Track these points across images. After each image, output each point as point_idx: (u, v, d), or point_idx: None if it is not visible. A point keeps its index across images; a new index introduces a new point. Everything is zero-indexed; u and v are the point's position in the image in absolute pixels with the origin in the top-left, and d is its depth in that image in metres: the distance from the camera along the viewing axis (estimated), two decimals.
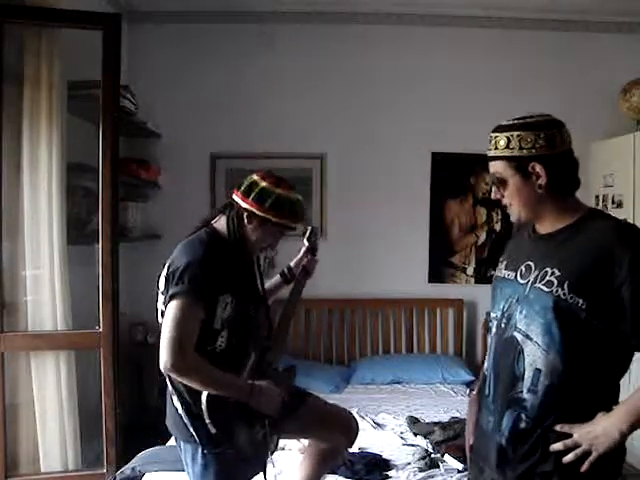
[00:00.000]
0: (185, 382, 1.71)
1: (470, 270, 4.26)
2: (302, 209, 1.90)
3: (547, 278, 1.41)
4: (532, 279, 1.44)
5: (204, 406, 1.71)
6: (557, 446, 1.39)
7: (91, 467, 2.86)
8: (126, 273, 3.17)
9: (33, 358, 2.75)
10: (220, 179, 4.17)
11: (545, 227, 1.49)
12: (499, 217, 4.24)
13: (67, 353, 2.80)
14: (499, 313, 1.52)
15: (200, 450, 1.77)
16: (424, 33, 4.14)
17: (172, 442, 2.53)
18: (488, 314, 1.74)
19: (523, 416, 1.43)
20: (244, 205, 1.84)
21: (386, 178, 4.17)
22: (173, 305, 1.69)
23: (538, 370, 1.41)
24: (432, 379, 3.85)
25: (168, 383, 1.80)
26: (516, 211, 1.49)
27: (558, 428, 1.40)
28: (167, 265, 1.79)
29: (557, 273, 1.39)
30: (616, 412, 1.37)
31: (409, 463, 2.60)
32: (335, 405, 2.24)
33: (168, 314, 1.69)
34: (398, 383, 3.85)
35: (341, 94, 4.15)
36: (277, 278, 2.19)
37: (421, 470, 2.53)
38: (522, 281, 1.47)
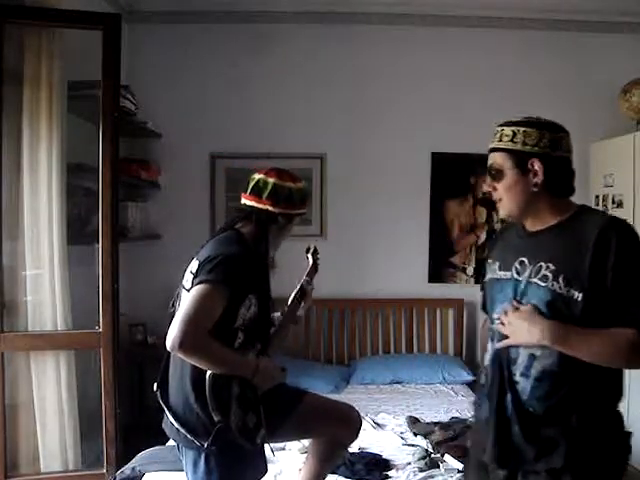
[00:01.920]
0: (192, 361, 1.69)
1: (470, 270, 4.26)
2: (308, 193, 2.00)
3: (542, 272, 1.43)
4: (527, 274, 1.46)
5: (208, 387, 1.69)
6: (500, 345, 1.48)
7: (91, 467, 2.86)
8: (126, 273, 3.17)
9: (33, 358, 2.75)
10: (220, 179, 4.17)
11: (535, 225, 1.52)
12: (499, 217, 4.22)
13: (67, 353, 2.80)
14: (502, 313, 1.52)
15: (203, 456, 1.76)
16: (424, 33, 4.14)
17: (172, 442, 2.54)
18: (486, 320, 1.74)
19: (521, 399, 1.45)
20: (264, 206, 1.87)
21: (386, 178, 4.17)
22: (199, 288, 1.68)
23: (532, 356, 1.44)
24: (432, 379, 3.85)
25: (171, 373, 1.81)
26: (507, 207, 1.53)
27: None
28: (197, 259, 1.80)
29: (552, 267, 1.41)
30: (562, 327, 1.39)
31: (409, 463, 2.60)
32: (334, 400, 2.24)
33: (190, 295, 1.68)
34: (398, 383, 3.85)
35: (341, 94, 4.15)
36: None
37: (421, 470, 2.53)
38: (519, 278, 1.49)
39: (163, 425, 1.87)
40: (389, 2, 3.99)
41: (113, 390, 2.77)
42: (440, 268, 4.27)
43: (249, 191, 1.90)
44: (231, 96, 4.10)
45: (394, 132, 4.16)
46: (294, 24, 4.10)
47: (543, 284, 1.42)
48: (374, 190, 4.17)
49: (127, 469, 2.57)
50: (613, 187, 3.78)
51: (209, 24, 4.09)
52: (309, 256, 2.22)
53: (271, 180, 1.87)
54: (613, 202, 3.76)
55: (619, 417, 1.48)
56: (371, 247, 4.19)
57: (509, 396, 1.46)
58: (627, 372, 1.50)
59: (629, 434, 1.47)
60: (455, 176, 4.22)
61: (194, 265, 1.79)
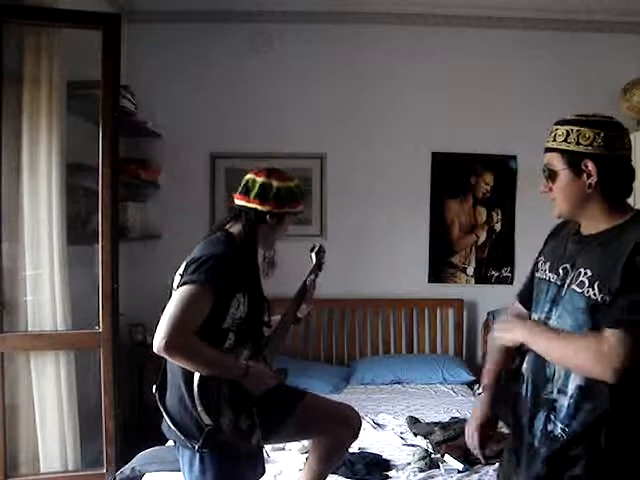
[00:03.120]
0: (178, 362, 1.68)
1: (470, 270, 4.26)
2: (301, 192, 1.98)
3: (580, 279, 1.40)
4: (568, 281, 1.43)
5: (196, 388, 1.69)
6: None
7: (91, 467, 2.86)
8: (126, 273, 3.17)
9: (33, 358, 2.75)
10: (220, 179, 4.17)
11: (589, 228, 1.47)
12: (499, 217, 4.24)
13: (67, 353, 2.80)
14: (542, 315, 1.51)
15: (198, 456, 1.77)
16: (424, 33, 4.13)
17: (171, 442, 2.54)
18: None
19: (552, 417, 1.42)
20: (252, 205, 1.87)
21: (386, 178, 4.17)
22: (183, 289, 1.68)
23: (569, 371, 1.40)
24: (432, 379, 3.84)
25: (169, 376, 1.81)
26: (559, 207, 1.48)
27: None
28: (185, 261, 1.80)
29: (589, 273, 1.38)
30: (533, 324, 1.48)
31: (409, 463, 2.60)
32: (334, 401, 2.24)
33: (175, 296, 1.68)
34: (398, 383, 3.84)
35: (341, 94, 4.15)
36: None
37: (421, 470, 2.52)
38: (559, 283, 1.47)
39: (162, 426, 1.87)
40: (389, 2, 3.99)
41: (113, 390, 2.77)
42: (440, 268, 4.26)
43: (239, 191, 1.91)
44: (231, 96, 4.10)
45: (394, 132, 4.16)
46: (294, 24, 4.09)
47: (579, 290, 1.39)
48: (374, 190, 4.17)
49: (127, 469, 2.57)
50: None
51: (209, 24, 4.09)
52: (313, 255, 2.22)
53: (259, 179, 1.88)
54: None
55: None
56: (371, 247, 4.19)
57: (545, 414, 1.44)
58: None
59: None
60: (455, 176, 4.22)
61: (182, 267, 1.79)
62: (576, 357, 1.34)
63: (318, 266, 2.20)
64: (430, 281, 4.25)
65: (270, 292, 2.01)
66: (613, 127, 1.43)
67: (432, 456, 2.64)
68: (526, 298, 1.64)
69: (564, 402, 1.40)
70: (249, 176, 1.91)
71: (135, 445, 2.81)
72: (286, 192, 1.89)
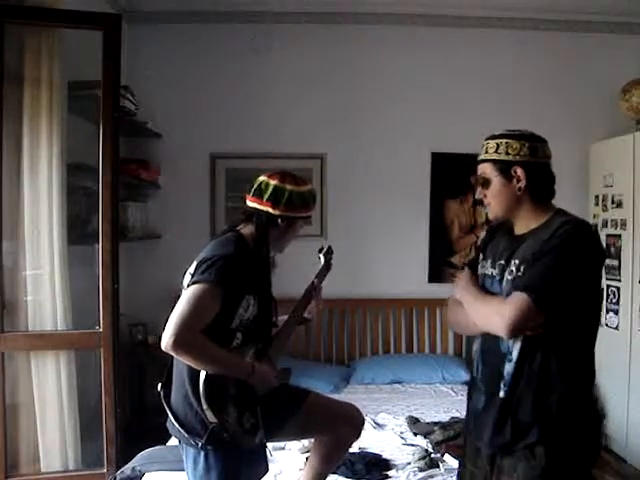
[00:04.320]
0: (185, 360, 1.69)
1: None
2: (314, 197, 1.99)
3: (511, 268, 1.60)
4: (505, 274, 1.62)
5: (202, 386, 1.70)
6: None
7: (91, 467, 2.86)
8: (126, 273, 3.18)
9: (33, 358, 2.75)
10: (220, 179, 4.17)
11: (520, 228, 1.68)
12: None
13: (67, 353, 2.80)
14: None
15: (202, 454, 1.77)
16: (424, 33, 4.14)
17: (172, 442, 2.54)
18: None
19: (502, 385, 1.58)
20: (264, 208, 1.88)
21: (386, 178, 4.18)
22: (193, 288, 1.70)
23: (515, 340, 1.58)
24: (432, 379, 3.85)
25: (174, 374, 1.82)
26: (494, 209, 1.72)
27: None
28: (196, 261, 1.81)
29: (517, 262, 1.58)
30: (471, 286, 1.69)
31: (409, 463, 2.60)
32: (337, 400, 2.26)
33: (185, 295, 1.70)
34: (398, 383, 3.85)
35: (341, 94, 4.15)
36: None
37: (421, 470, 2.53)
38: (498, 277, 1.65)
39: (167, 423, 1.88)
40: (389, 2, 3.99)
41: (113, 390, 2.78)
42: (440, 268, 4.26)
43: (252, 193, 1.92)
44: (231, 96, 4.10)
45: (394, 132, 4.16)
46: (294, 24, 4.10)
47: (510, 277, 1.59)
48: (374, 190, 4.18)
49: (127, 469, 2.57)
50: (613, 187, 3.77)
51: (209, 24, 4.09)
52: (321, 256, 2.22)
53: (272, 182, 1.88)
54: (613, 202, 3.76)
55: (591, 401, 1.64)
56: (371, 247, 4.20)
57: (502, 383, 1.58)
58: (628, 378, 1.55)
59: (601, 418, 1.61)
60: (455, 176, 4.22)
61: (192, 266, 1.80)
62: (486, 315, 1.58)
63: (326, 267, 2.20)
64: (430, 281, 4.25)
65: (273, 292, 2.01)
66: (535, 139, 1.65)
67: (432, 456, 2.65)
68: (473, 268, 1.82)
69: (510, 369, 1.57)
70: (262, 178, 1.92)
71: (135, 445, 2.82)
72: (298, 197, 1.90)
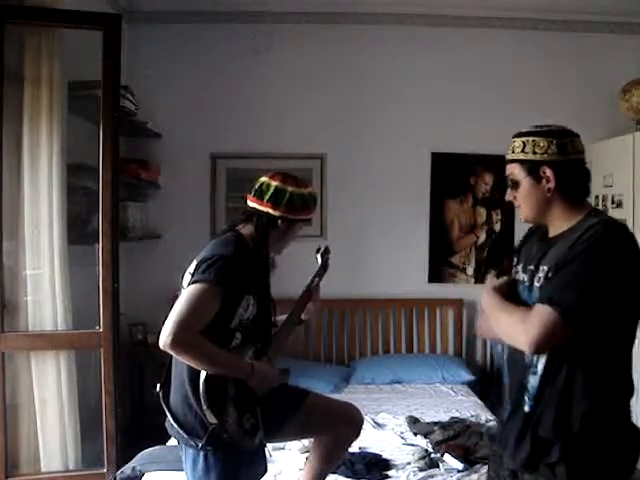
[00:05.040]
0: (184, 359, 1.69)
1: (470, 270, 4.26)
2: (314, 199, 1.98)
3: (539, 275, 1.49)
4: (535, 281, 1.51)
5: (202, 386, 1.69)
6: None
7: (91, 467, 2.86)
8: (126, 273, 3.18)
9: (33, 358, 2.75)
10: (220, 179, 4.17)
11: (553, 231, 1.56)
12: (499, 217, 4.24)
13: (67, 353, 2.80)
14: None
15: (202, 455, 1.77)
16: (424, 33, 4.14)
17: (172, 442, 2.54)
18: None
19: (526, 399, 1.49)
20: (264, 209, 1.87)
21: (386, 178, 4.18)
22: (193, 287, 1.69)
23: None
24: (432, 379, 3.85)
25: (173, 374, 1.82)
26: (525, 212, 1.59)
27: None
28: (195, 260, 1.81)
29: (546, 269, 1.48)
30: (496, 298, 1.55)
31: (409, 463, 2.60)
32: (336, 399, 2.26)
33: (185, 294, 1.69)
34: (398, 383, 3.85)
35: (341, 94, 4.15)
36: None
37: (421, 470, 2.53)
38: (528, 284, 1.55)
39: (165, 424, 1.88)
40: (389, 2, 3.99)
41: (113, 390, 2.78)
42: (440, 268, 4.27)
43: (253, 193, 1.92)
44: (231, 96, 4.10)
45: (394, 132, 4.16)
46: (294, 24, 4.10)
47: (538, 285, 1.49)
48: (374, 190, 4.18)
49: (127, 469, 2.57)
50: (613, 187, 3.78)
51: (209, 24, 4.09)
52: (318, 256, 2.22)
53: (274, 183, 1.88)
54: (612, 202, 3.76)
55: (624, 419, 1.49)
56: (371, 247, 4.20)
57: (522, 398, 1.50)
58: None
59: (637, 437, 1.48)
60: (455, 176, 4.23)
61: (192, 266, 1.80)
62: (509, 328, 1.47)
63: (323, 267, 2.20)
64: (430, 281, 4.25)
65: (271, 292, 2.01)
66: (564, 134, 1.54)
67: (432, 456, 2.65)
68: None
69: (534, 383, 1.48)
70: (264, 179, 1.91)
71: (135, 445, 2.82)
72: (299, 199, 1.89)
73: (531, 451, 1.46)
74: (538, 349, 1.39)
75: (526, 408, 1.48)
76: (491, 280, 1.65)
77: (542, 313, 1.37)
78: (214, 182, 4.17)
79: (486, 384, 4.03)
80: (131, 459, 2.65)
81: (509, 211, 4.22)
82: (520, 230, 4.46)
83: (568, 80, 4.11)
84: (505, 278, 1.68)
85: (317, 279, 2.16)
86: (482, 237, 4.26)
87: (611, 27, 4.12)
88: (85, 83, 2.91)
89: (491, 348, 4.07)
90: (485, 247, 4.25)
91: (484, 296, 1.61)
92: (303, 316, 2.13)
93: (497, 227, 4.25)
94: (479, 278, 4.23)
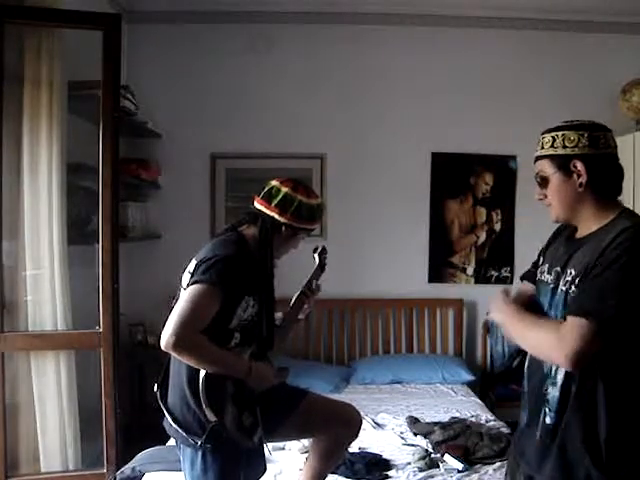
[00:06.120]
0: (185, 359, 1.70)
1: (470, 270, 4.26)
2: (321, 211, 1.98)
3: (566, 279, 1.43)
4: (560, 283, 1.46)
5: (201, 385, 1.70)
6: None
7: (91, 467, 2.86)
8: (126, 273, 3.18)
9: (33, 358, 2.75)
10: (220, 179, 4.17)
11: (582, 230, 1.50)
12: (499, 217, 4.24)
13: (67, 353, 2.80)
14: None
15: (200, 454, 1.77)
16: (424, 33, 4.14)
17: (172, 442, 2.54)
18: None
19: (547, 410, 1.44)
20: (271, 213, 1.87)
21: (386, 178, 4.18)
22: (193, 288, 1.70)
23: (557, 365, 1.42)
24: (432, 379, 3.85)
25: (171, 374, 1.82)
26: (556, 210, 1.51)
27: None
28: (195, 259, 1.81)
29: (573, 273, 1.41)
30: (515, 311, 1.48)
31: (409, 463, 2.60)
32: (335, 400, 2.26)
33: (185, 295, 1.70)
34: (398, 383, 3.85)
35: (341, 94, 4.15)
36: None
37: (421, 470, 2.53)
38: (553, 285, 1.50)
39: (163, 423, 1.88)
40: (389, 2, 3.99)
41: (113, 390, 2.77)
42: (440, 268, 4.27)
43: (261, 195, 1.91)
44: (231, 96, 4.10)
45: (394, 132, 4.16)
46: (294, 24, 4.10)
47: (564, 289, 1.43)
48: (374, 190, 4.17)
49: (127, 469, 2.57)
50: None
51: (209, 24, 4.09)
52: (315, 256, 2.22)
53: (284, 189, 1.87)
54: None
55: None
56: (371, 247, 4.19)
57: (542, 409, 1.46)
58: None
59: None
60: (455, 176, 4.23)
61: (192, 265, 1.80)
62: (539, 342, 1.39)
63: (321, 267, 2.20)
64: (430, 281, 4.25)
65: (274, 294, 2.00)
66: (596, 128, 1.47)
67: (432, 456, 2.65)
68: (530, 280, 1.66)
69: (555, 394, 1.42)
70: (274, 183, 1.91)
71: (135, 445, 2.82)
72: (307, 209, 1.89)
73: (556, 466, 1.41)
74: (579, 365, 1.31)
75: (547, 420, 1.44)
76: (502, 294, 1.57)
77: (579, 326, 1.29)
78: (214, 182, 4.17)
79: (486, 384, 4.03)
80: (131, 459, 2.65)
81: (509, 211, 4.23)
82: (520, 231, 4.48)
83: (568, 80, 4.11)
84: (519, 288, 1.64)
85: (315, 279, 2.16)
86: (482, 237, 4.26)
87: (611, 27, 4.12)
88: (85, 83, 2.91)
89: (491, 348, 4.07)
90: (485, 247, 4.25)
91: (496, 310, 1.54)
92: (300, 315, 2.14)
93: (497, 227, 4.25)
94: (479, 278, 4.24)
